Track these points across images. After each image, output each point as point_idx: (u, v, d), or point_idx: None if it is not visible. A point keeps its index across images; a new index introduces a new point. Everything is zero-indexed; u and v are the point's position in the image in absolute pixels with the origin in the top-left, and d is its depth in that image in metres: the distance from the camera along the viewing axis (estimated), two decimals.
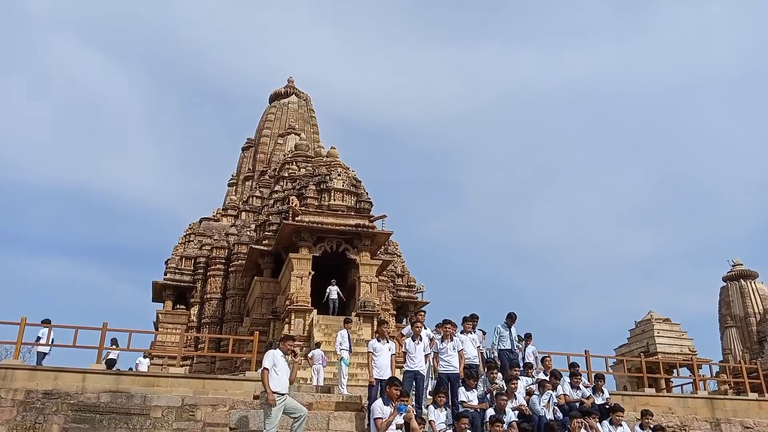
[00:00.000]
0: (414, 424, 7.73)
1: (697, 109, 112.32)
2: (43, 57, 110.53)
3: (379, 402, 8.12)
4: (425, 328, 10.83)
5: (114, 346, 17.55)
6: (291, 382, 8.52)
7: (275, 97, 43.53)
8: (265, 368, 8.24)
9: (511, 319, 12.08)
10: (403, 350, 9.66)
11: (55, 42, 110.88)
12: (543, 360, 11.62)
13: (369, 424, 9.25)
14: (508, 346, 11.61)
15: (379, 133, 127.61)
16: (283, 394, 8.22)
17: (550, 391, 9.60)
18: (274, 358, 8.36)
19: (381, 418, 7.90)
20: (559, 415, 9.42)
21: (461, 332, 10.57)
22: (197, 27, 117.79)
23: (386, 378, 9.34)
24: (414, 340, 9.77)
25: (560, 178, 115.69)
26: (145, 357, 20.99)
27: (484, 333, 11.95)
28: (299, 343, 21.93)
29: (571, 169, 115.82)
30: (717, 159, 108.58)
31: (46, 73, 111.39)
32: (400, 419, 7.88)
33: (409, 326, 11.47)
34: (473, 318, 11.36)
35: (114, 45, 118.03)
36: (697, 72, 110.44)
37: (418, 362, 9.62)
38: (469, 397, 9.08)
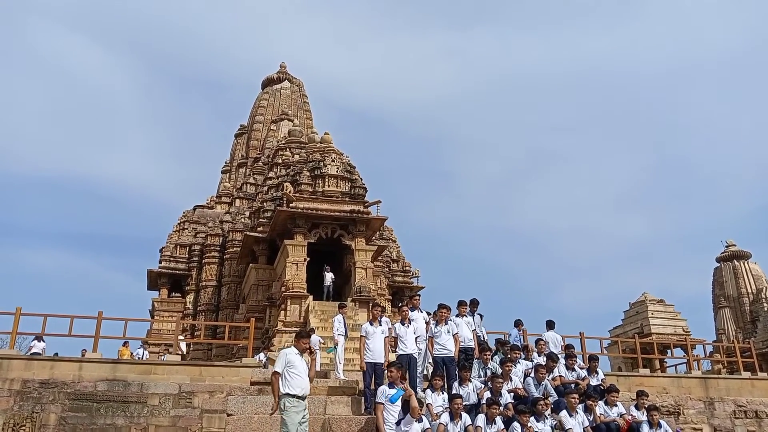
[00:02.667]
0: (414, 402, 7.77)
1: (692, 92, 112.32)
2: (34, 45, 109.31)
3: (383, 387, 8.16)
4: (421, 312, 10.89)
5: (38, 340, 17.71)
6: (311, 380, 7.44)
7: (268, 83, 43.27)
8: (275, 372, 7.14)
9: (517, 326, 12.70)
10: (393, 335, 9.69)
11: (45, 29, 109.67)
12: (537, 342, 11.70)
13: (367, 408, 9.31)
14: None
15: (373, 118, 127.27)
16: (302, 398, 7.14)
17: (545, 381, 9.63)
18: (286, 358, 7.15)
19: (381, 404, 7.94)
20: (555, 396, 9.48)
21: (456, 315, 10.60)
22: (189, 12, 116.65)
23: (379, 361, 9.38)
24: (404, 324, 9.80)
25: (555, 161, 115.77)
26: (182, 338, 21.64)
27: (481, 317, 12.00)
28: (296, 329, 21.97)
29: (566, 153, 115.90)
30: (712, 142, 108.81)
31: (36, 61, 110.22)
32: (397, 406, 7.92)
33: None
34: (473, 303, 11.47)
35: (105, 32, 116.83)
36: (693, 55, 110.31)
37: (410, 346, 9.66)
38: (461, 393, 9.00)
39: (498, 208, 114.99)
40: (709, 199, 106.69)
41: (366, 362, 9.38)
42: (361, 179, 27.26)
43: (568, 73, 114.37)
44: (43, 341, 18.34)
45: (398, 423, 7.83)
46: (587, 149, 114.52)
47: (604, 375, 11.29)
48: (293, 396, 7.03)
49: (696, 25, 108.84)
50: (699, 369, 21.17)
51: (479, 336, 11.29)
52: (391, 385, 8.10)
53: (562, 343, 12.50)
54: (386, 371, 8.22)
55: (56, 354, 21.08)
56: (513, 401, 8.93)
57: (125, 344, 20.44)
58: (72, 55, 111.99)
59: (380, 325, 9.68)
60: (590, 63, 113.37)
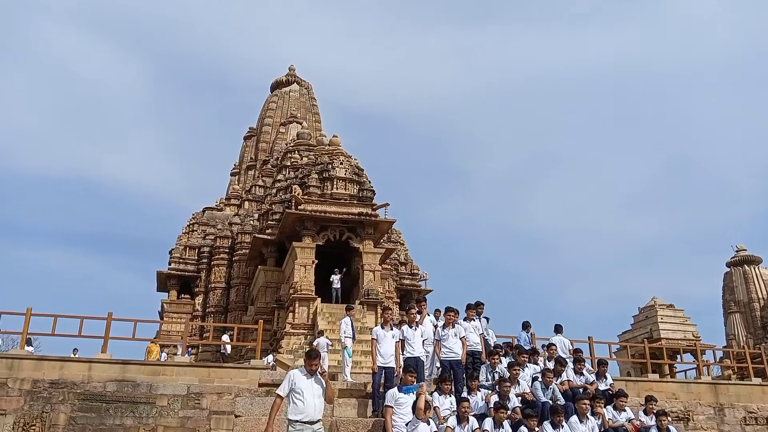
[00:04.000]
0: (420, 402, 7.72)
1: (700, 93, 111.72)
2: (42, 45, 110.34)
3: (393, 390, 8.15)
4: (428, 315, 10.91)
5: (28, 345, 17.91)
6: (329, 402, 6.67)
7: (276, 85, 43.46)
8: (277, 396, 6.56)
9: (525, 329, 13.05)
10: (401, 337, 9.70)
11: (54, 29, 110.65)
12: (548, 347, 11.67)
13: (375, 410, 9.32)
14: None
15: (380, 119, 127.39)
16: (313, 422, 6.43)
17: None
18: (291, 381, 6.47)
19: (390, 407, 7.94)
20: (563, 401, 9.45)
21: (464, 319, 10.59)
22: (198, 14, 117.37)
23: (390, 365, 9.39)
24: (411, 327, 9.80)
25: (563, 163, 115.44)
26: (226, 339, 22.33)
27: (487, 320, 12.00)
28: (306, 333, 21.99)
29: (574, 154, 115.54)
30: (721, 144, 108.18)
31: (44, 61, 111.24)
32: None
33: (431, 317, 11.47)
34: (478, 305, 11.48)
35: (114, 32, 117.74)
36: (700, 57, 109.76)
37: (417, 348, 9.67)
38: (470, 401, 8.93)
39: (506, 209, 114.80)
40: (719, 202, 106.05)
41: (378, 365, 9.39)
42: (369, 182, 27.30)
43: (577, 73, 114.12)
44: (32, 345, 18.41)
45: (407, 424, 7.80)
46: (596, 150, 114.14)
47: (613, 380, 11.24)
48: (297, 422, 6.41)
49: (703, 26, 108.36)
50: (709, 374, 21.02)
51: (486, 339, 11.28)
52: (400, 389, 8.10)
53: (570, 347, 12.46)
54: (406, 375, 8.20)
55: (75, 350, 21.15)
56: (521, 405, 8.91)
57: (154, 341, 20.63)
58: (81, 55, 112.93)
59: (391, 329, 9.70)
60: (598, 64, 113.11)
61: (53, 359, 13.22)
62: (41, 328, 16.34)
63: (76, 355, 19.18)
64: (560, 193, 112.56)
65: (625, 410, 9.51)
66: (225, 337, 21.09)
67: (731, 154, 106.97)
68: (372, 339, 9.70)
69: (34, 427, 11.81)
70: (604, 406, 9.32)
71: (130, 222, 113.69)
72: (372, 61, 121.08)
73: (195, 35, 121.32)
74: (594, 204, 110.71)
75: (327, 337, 17.49)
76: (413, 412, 7.81)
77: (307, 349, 6.95)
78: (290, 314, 23.12)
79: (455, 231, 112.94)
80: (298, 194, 25.41)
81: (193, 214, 36.42)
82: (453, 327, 10.03)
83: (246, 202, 36.23)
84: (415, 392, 7.98)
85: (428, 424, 7.76)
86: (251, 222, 32.44)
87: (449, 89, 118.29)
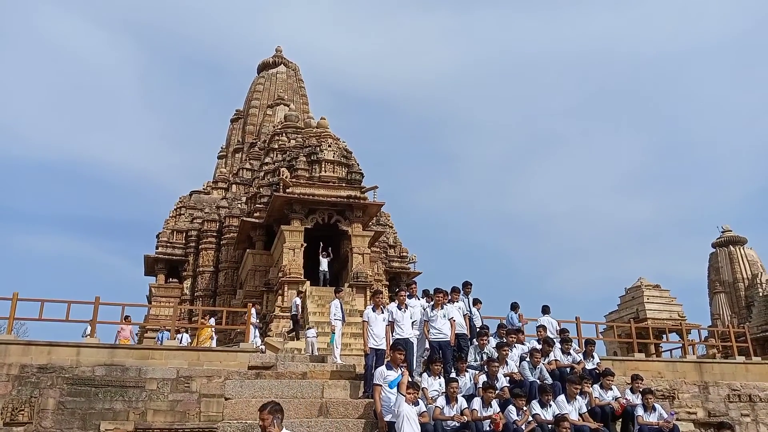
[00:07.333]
0: (404, 379, 7.69)
1: (693, 75, 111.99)
2: (33, 28, 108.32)
3: (381, 368, 8.16)
4: (418, 299, 10.93)
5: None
6: None
7: (263, 67, 43.00)
8: None
9: (514, 309, 13.12)
10: (390, 319, 9.72)
11: (44, 12, 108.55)
12: (537, 328, 11.77)
13: (365, 392, 9.36)
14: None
15: (371, 101, 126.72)
16: None
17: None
18: None
19: (379, 385, 7.96)
20: (550, 380, 9.55)
21: (448, 301, 10.63)
22: None
23: (382, 347, 9.42)
24: (400, 309, 9.83)
25: (557, 144, 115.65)
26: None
27: (480, 302, 12.07)
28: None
29: (567, 136, 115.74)
30: (710, 126, 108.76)
31: (35, 44, 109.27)
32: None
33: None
34: (465, 285, 11.58)
35: (103, 15, 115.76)
36: (693, 38, 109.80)
37: (406, 330, 9.70)
38: (459, 381, 8.98)
39: (498, 191, 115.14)
40: (708, 183, 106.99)
41: (370, 347, 9.42)
42: (358, 164, 27.21)
43: (571, 55, 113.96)
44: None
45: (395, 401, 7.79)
46: (589, 132, 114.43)
47: (600, 359, 11.37)
48: None
49: (698, 6, 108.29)
50: (694, 353, 21.31)
51: (472, 320, 11.36)
52: (389, 366, 8.09)
53: (557, 328, 12.59)
54: (395, 353, 8.21)
55: (86, 329, 20.68)
56: (509, 385, 8.99)
57: (206, 317, 20.71)
58: (72, 38, 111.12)
59: (382, 312, 9.73)
60: (593, 45, 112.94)
61: (41, 344, 13.16)
62: (28, 313, 16.22)
63: (88, 333, 19.15)
64: (553, 176, 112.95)
65: (611, 389, 9.63)
66: (297, 300, 21.10)
67: (720, 136, 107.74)
68: (363, 321, 9.71)
69: (22, 413, 11.78)
70: (591, 385, 9.43)
71: (117, 205, 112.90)
72: (365, 43, 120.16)
73: (184, 16, 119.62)
74: (587, 186, 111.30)
75: (313, 326, 17.43)
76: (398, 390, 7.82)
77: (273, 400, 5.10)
78: (279, 297, 23.12)
79: (446, 214, 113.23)
80: (286, 177, 25.28)
81: (180, 198, 36.16)
82: (441, 308, 10.07)
83: (233, 186, 36.02)
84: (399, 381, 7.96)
85: (416, 404, 7.79)
86: (239, 205, 32.27)
87: (445, 70, 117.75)
